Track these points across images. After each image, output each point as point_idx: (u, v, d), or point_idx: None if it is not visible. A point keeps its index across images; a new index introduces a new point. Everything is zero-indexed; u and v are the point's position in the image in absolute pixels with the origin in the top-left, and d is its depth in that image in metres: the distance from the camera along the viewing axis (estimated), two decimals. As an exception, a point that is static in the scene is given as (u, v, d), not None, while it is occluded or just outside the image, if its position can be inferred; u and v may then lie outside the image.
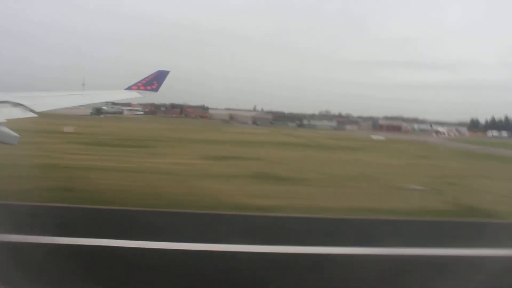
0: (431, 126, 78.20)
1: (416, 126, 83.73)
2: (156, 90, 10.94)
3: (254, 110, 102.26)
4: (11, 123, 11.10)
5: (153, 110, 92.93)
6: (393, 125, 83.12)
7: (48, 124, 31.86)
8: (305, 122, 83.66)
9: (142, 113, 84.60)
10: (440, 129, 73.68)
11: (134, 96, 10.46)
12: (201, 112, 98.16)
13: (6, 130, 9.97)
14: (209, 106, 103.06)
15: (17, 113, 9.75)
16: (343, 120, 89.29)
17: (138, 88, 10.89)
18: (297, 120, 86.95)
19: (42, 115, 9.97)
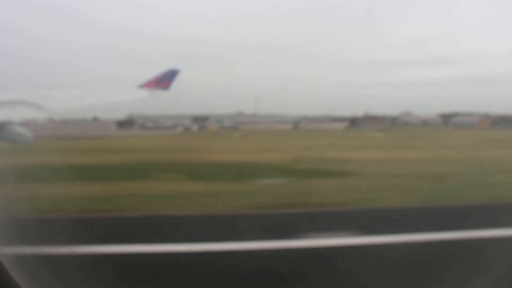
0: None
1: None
2: (167, 88, 9.84)
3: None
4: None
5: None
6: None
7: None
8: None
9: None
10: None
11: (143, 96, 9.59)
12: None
13: (21, 129, 10.09)
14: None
15: (32, 113, 9.72)
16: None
17: (150, 87, 9.56)
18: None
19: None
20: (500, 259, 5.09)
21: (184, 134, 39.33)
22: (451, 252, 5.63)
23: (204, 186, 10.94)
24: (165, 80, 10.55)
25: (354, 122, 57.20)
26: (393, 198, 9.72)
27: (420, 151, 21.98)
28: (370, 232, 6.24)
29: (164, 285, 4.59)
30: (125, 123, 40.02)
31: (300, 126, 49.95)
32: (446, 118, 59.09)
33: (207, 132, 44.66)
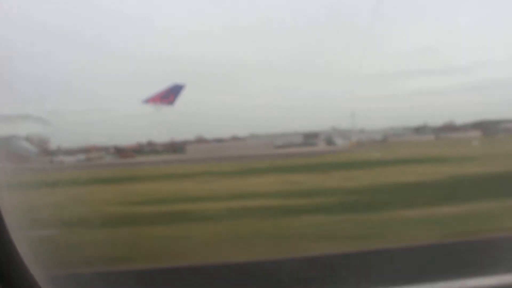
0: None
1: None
2: (172, 103, 9.95)
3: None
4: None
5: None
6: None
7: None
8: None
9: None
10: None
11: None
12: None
13: (25, 144, 10.18)
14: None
15: (38, 128, 9.78)
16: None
17: (155, 102, 9.66)
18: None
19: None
20: None
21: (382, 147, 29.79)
22: None
23: None
24: (170, 95, 10.60)
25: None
26: None
27: None
28: None
29: None
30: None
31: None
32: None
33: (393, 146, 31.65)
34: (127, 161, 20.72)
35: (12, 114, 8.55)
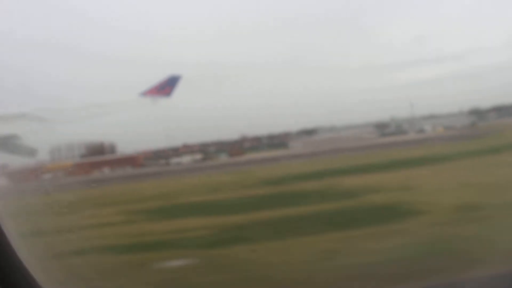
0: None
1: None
2: (169, 95, 9.89)
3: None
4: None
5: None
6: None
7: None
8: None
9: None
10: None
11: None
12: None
13: (22, 143, 10.09)
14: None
15: (35, 127, 9.71)
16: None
17: (152, 94, 9.61)
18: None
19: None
20: None
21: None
22: None
23: None
24: (167, 86, 10.56)
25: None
26: None
27: None
28: None
29: None
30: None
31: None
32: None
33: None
34: (238, 159, 18.55)
35: (8, 113, 8.49)
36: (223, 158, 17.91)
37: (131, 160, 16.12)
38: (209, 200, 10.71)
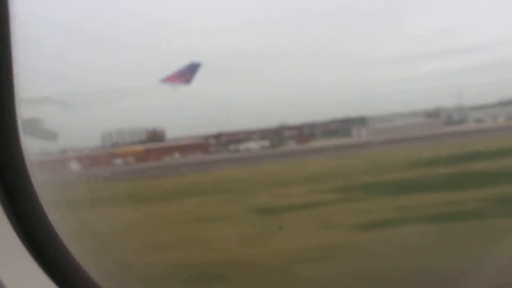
0: None
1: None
2: (189, 82, 9.81)
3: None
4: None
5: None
6: None
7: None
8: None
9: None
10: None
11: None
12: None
13: (43, 126, 10.19)
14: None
15: (57, 110, 9.79)
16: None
17: (172, 81, 9.53)
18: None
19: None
20: None
21: None
22: None
23: None
24: (187, 74, 10.55)
25: None
26: None
27: None
28: None
29: None
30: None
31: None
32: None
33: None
34: (307, 146, 16.95)
35: (31, 97, 8.57)
36: (291, 145, 16.61)
37: (199, 146, 15.60)
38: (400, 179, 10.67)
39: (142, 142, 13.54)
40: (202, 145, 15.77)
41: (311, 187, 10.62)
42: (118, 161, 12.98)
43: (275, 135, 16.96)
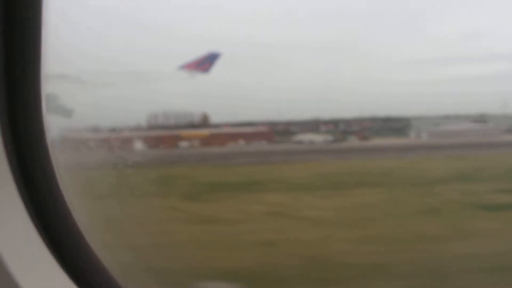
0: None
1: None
2: (207, 71, 9.78)
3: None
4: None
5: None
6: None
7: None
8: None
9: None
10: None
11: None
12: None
13: (58, 102, 10.23)
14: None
15: (74, 88, 9.84)
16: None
17: (191, 69, 9.51)
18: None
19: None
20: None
21: None
22: None
23: None
24: (206, 62, 10.49)
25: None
26: None
27: None
28: None
29: None
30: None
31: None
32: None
33: None
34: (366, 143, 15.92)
35: (50, 73, 8.61)
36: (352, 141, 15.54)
37: (265, 135, 15.19)
38: None
39: (188, 126, 13.53)
40: (267, 133, 15.09)
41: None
42: (184, 144, 12.56)
43: (338, 130, 15.98)
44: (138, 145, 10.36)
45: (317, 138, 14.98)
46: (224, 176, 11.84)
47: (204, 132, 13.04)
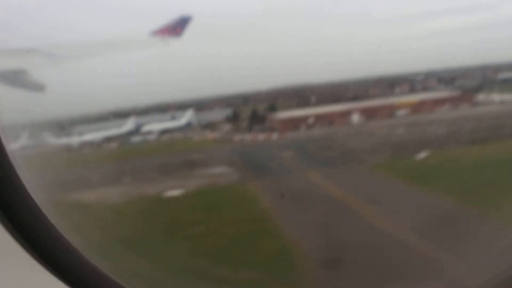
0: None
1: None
2: (179, 35, 9.51)
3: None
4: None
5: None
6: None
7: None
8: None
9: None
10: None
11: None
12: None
13: (29, 77, 9.89)
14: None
15: (43, 63, 9.56)
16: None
17: (163, 34, 9.23)
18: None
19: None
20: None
21: None
22: None
23: None
24: (178, 27, 10.28)
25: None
26: None
27: None
28: None
29: None
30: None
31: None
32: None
33: None
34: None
35: (18, 48, 8.28)
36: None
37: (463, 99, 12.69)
38: None
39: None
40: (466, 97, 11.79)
41: None
42: (400, 112, 10.92)
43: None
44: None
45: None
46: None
47: (412, 100, 11.45)
